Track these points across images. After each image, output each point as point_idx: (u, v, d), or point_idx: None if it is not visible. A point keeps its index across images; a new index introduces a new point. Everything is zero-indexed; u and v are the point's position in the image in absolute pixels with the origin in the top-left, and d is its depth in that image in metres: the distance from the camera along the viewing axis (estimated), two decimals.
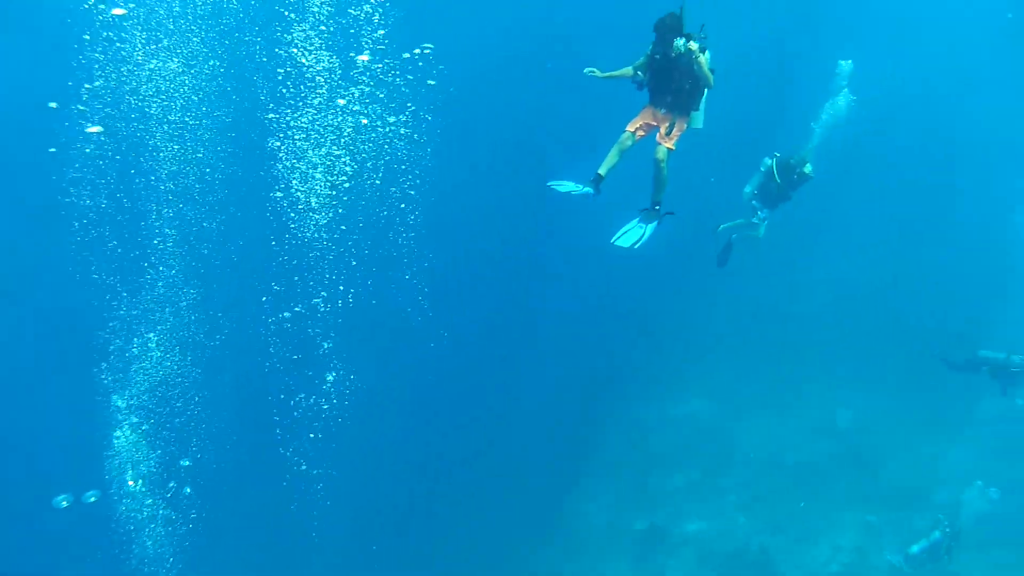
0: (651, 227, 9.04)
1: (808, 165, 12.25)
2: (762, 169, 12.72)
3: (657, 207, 8.98)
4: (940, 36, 19.77)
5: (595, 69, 8.61)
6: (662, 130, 8.79)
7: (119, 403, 12.50)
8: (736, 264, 13.77)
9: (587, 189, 8.90)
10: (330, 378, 13.44)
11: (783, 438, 17.84)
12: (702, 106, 8.97)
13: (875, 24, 19.07)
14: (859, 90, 15.35)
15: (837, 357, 18.68)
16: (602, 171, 8.86)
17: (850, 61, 14.80)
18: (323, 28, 11.47)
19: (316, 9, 11.27)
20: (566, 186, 9.09)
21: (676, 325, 19.60)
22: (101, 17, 10.00)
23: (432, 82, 14.04)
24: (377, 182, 13.23)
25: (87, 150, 11.68)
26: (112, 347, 12.68)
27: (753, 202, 12.97)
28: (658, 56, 8.44)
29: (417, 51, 13.54)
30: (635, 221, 9.19)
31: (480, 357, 18.16)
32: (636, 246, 9.02)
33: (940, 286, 18.85)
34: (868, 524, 16.02)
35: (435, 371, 17.03)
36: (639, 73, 8.69)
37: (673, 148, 8.77)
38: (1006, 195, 19.47)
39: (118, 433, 12.26)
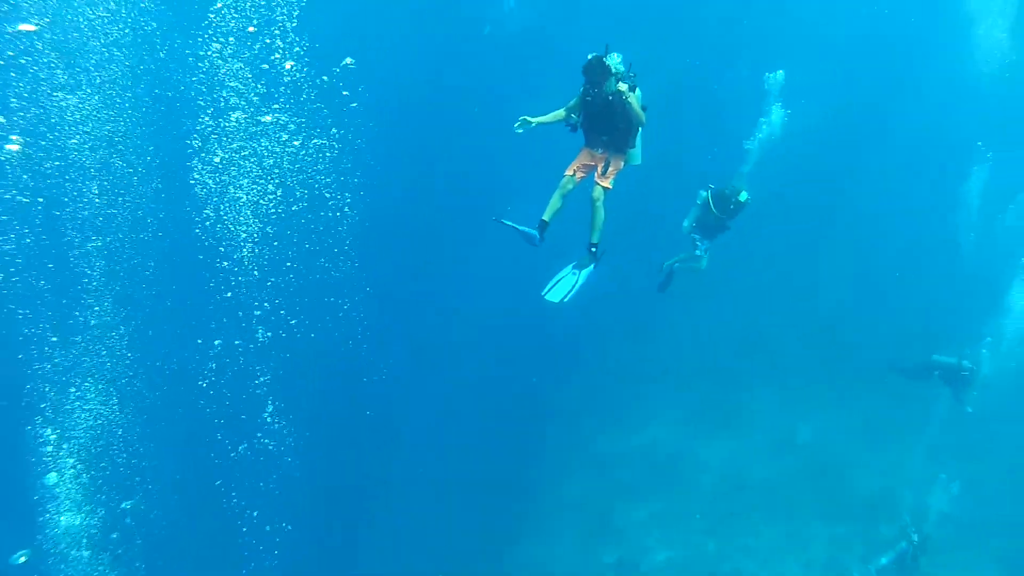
0: (585, 273, 9.10)
1: (743, 193, 12.37)
2: (698, 202, 12.82)
3: (594, 249, 9.01)
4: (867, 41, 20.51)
5: (527, 117, 8.62)
6: (599, 170, 8.85)
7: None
8: (679, 290, 13.85)
9: (533, 232, 8.88)
10: (269, 410, 13.02)
11: (744, 458, 17.65)
12: (638, 143, 9.10)
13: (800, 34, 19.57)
14: (793, 102, 15.80)
15: (790, 374, 18.74)
16: (546, 217, 8.88)
17: (781, 72, 15.06)
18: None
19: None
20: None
21: (627, 355, 19.61)
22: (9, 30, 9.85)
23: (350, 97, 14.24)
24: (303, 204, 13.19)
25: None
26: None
27: (693, 235, 13.08)
28: (589, 98, 8.52)
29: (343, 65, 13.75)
30: (568, 268, 9.28)
31: (426, 399, 17.97)
32: (566, 299, 9.07)
33: (884, 295, 19.11)
34: (836, 536, 15.75)
35: (385, 412, 16.74)
36: (572, 116, 8.78)
37: (610, 187, 8.82)
38: (945, 198, 19.86)
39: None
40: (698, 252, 13.10)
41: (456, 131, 18.93)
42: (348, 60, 14.43)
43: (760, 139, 16.06)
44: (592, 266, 9.12)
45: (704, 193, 12.63)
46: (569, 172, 8.91)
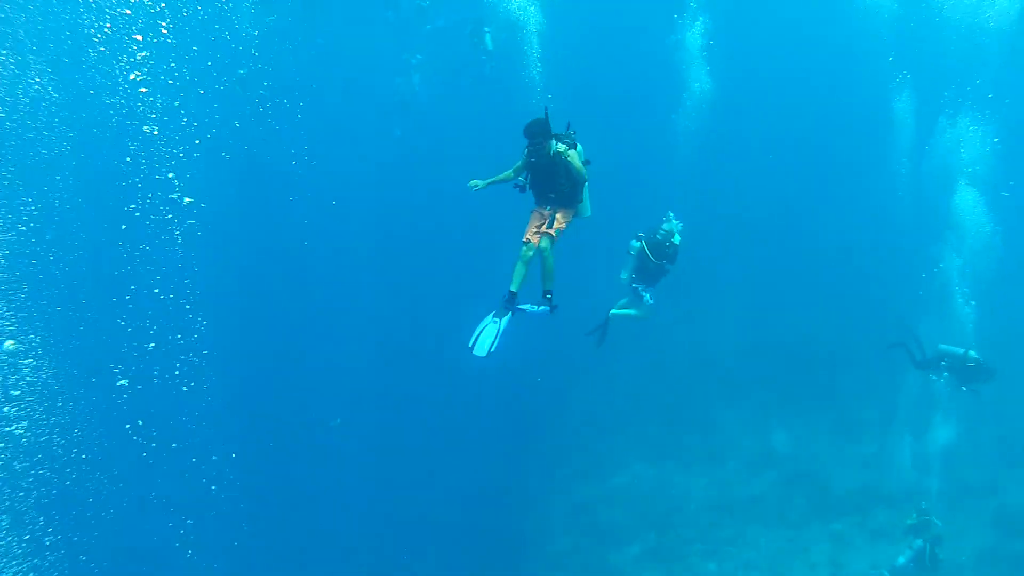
0: (505, 320, 9.01)
1: (676, 235, 12.37)
2: (632, 252, 12.71)
3: (548, 296, 9.07)
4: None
5: (477, 181, 8.91)
6: (558, 221, 8.98)
7: None
8: (635, 329, 13.82)
9: (507, 316, 8.94)
10: None
11: (728, 478, 17.42)
12: (586, 196, 9.32)
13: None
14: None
15: (755, 390, 18.82)
16: (513, 287, 8.95)
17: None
18: None
19: None
20: (485, 337, 9.00)
21: (592, 399, 19.36)
22: None
23: None
24: None
25: None
26: None
27: (634, 285, 12.86)
28: (533, 159, 8.76)
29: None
30: (489, 317, 9.19)
31: (401, 460, 17.27)
32: (493, 349, 8.97)
33: (828, 298, 19.62)
34: (835, 533, 15.59)
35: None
36: (519, 177, 9.03)
37: (555, 236, 8.93)
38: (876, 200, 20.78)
39: None
40: (647, 300, 13.02)
41: None
42: None
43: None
44: (510, 314, 9.08)
45: (636, 243, 12.53)
46: (526, 239, 9.00)
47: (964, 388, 14.12)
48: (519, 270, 8.95)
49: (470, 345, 8.99)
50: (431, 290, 20.05)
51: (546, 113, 8.58)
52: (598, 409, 19.28)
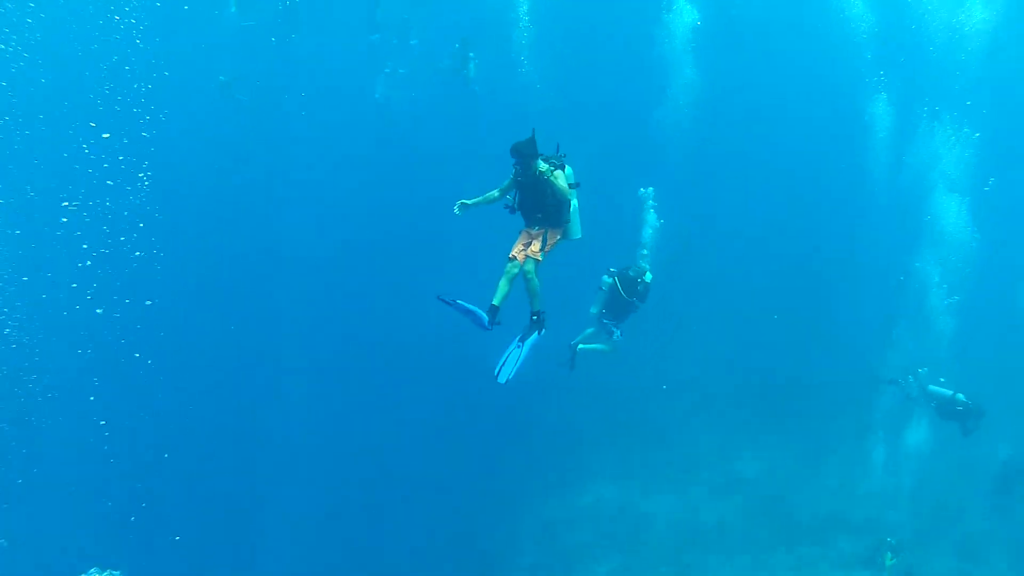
0: (529, 342, 9.15)
1: (648, 273, 12.60)
2: (603, 288, 12.86)
3: (535, 317, 9.13)
4: None
5: (464, 200, 8.94)
6: (535, 245, 9.05)
7: None
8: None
9: (481, 313, 8.91)
10: None
11: (694, 501, 17.37)
12: (575, 216, 9.40)
13: None
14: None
15: (725, 410, 18.90)
16: (496, 302, 8.96)
17: (651, 188, 15.47)
18: None
19: None
20: (460, 305, 9.02)
21: (557, 418, 19.21)
22: None
23: None
24: None
25: None
26: None
27: (604, 321, 13.02)
28: (520, 179, 8.87)
29: None
30: (513, 344, 9.27)
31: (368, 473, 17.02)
32: (512, 375, 9.04)
33: (798, 321, 19.80)
34: (802, 557, 15.60)
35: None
36: (508, 196, 9.10)
37: (539, 258, 9.00)
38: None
39: None
40: (615, 337, 13.10)
41: None
42: None
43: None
44: (536, 335, 9.19)
45: (608, 279, 12.69)
46: (512, 255, 9.09)
47: (962, 429, 14.45)
48: (502, 286, 8.98)
49: (498, 377, 9.00)
50: (399, 305, 19.95)
51: (533, 133, 8.65)
52: (566, 428, 19.13)
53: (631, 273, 12.55)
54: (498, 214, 9.25)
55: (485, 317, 8.84)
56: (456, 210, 8.91)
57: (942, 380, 14.90)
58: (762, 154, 21.18)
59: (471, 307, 8.89)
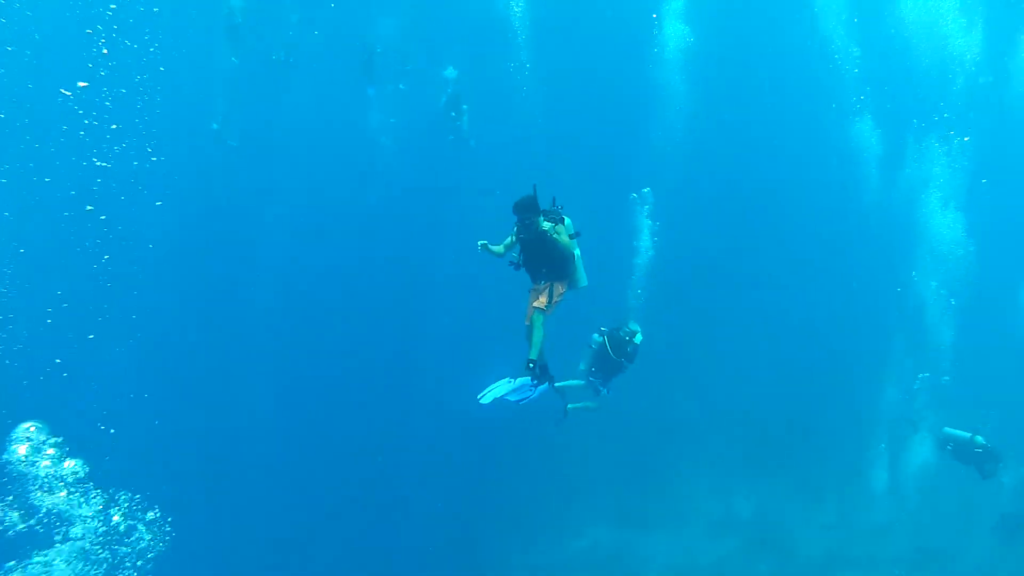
0: (520, 380, 9.54)
1: (638, 335, 12.59)
2: (592, 346, 12.95)
3: (531, 365, 9.20)
4: None
5: (485, 242, 9.31)
6: (542, 298, 9.23)
7: None
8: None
9: (523, 379, 9.43)
10: None
11: (690, 543, 17.01)
12: (580, 266, 9.61)
13: None
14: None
15: (719, 450, 18.63)
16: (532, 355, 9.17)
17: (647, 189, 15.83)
18: None
19: None
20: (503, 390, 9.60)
21: (551, 462, 18.88)
22: None
23: None
24: None
25: None
26: None
27: (591, 379, 13.10)
28: (523, 235, 9.10)
29: None
30: (505, 379, 9.75)
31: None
32: (485, 398, 9.58)
33: (793, 359, 19.71)
34: None
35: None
36: (513, 254, 9.34)
37: (545, 309, 9.19)
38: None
39: None
40: (602, 394, 13.11)
41: None
42: None
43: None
44: (530, 379, 9.40)
45: (599, 337, 12.77)
46: (527, 321, 9.32)
47: (978, 474, 14.02)
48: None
49: (479, 396, 9.52)
50: (393, 358, 19.95)
51: (535, 190, 8.83)
52: (558, 471, 18.79)
53: (622, 333, 12.55)
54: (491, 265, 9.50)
55: (527, 379, 9.27)
56: (479, 246, 9.25)
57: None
58: (748, 193, 21.42)
59: (513, 385, 9.41)
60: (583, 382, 13.28)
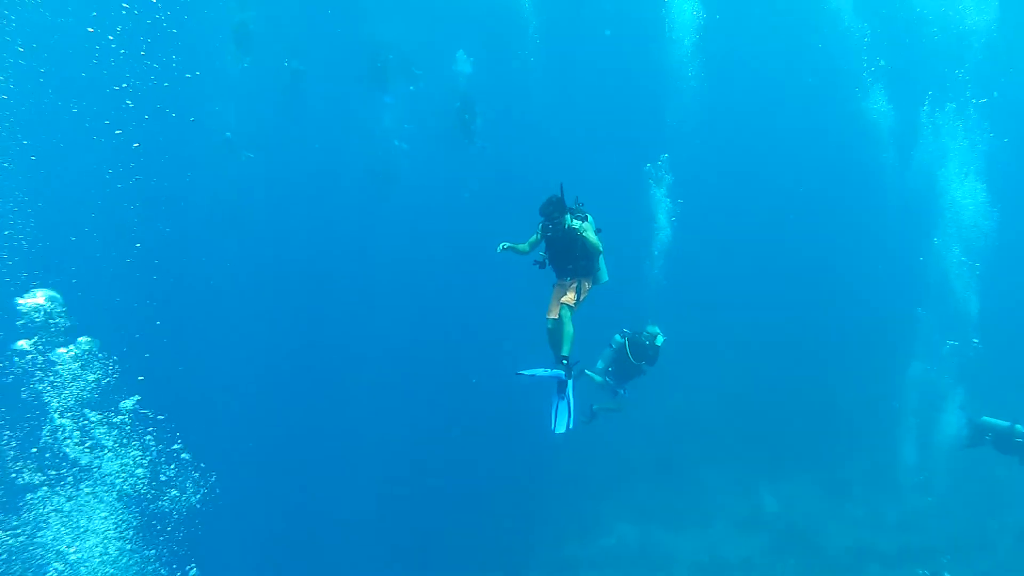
0: (569, 392, 9.40)
1: (659, 336, 12.41)
2: (612, 346, 12.81)
3: (565, 361, 9.32)
4: None
5: (506, 243, 9.33)
6: (570, 294, 9.40)
7: None
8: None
9: (557, 371, 9.25)
10: None
11: (717, 540, 16.91)
12: (601, 263, 9.76)
13: None
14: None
15: (744, 446, 18.50)
16: (564, 354, 9.29)
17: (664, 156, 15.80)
18: None
19: None
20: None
21: (579, 458, 18.85)
22: None
23: None
24: None
25: None
26: None
27: (608, 379, 12.99)
28: (549, 233, 9.26)
29: None
30: (555, 400, 9.54)
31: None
32: (571, 423, 9.41)
33: (816, 352, 19.53)
34: None
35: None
36: (539, 252, 9.47)
37: (574, 306, 9.36)
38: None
39: None
40: (620, 392, 13.01)
41: None
42: None
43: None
44: (570, 381, 9.41)
45: (620, 338, 12.64)
46: (551, 315, 9.45)
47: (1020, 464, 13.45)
48: (554, 345, 9.39)
49: (554, 429, 9.39)
50: (418, 363, 20.01)
51: (561, 190, 9.04)
52: (585, 470, 18.78)
53: (642, 337, 12.41)
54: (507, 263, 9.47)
55: (561, 372, 9.19)
56: (499, 248, 9.31)
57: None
58: (766, 201, 21.27)
59: (547, 372, 9.17)
60: (600, 379, 13.23)
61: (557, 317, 9.31)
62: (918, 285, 17.19)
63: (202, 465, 11.22)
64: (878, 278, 19.50)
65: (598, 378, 13.21)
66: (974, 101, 17.26)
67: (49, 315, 9.25)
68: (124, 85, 16.48)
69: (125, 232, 16.93)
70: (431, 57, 20.94)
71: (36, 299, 9.24)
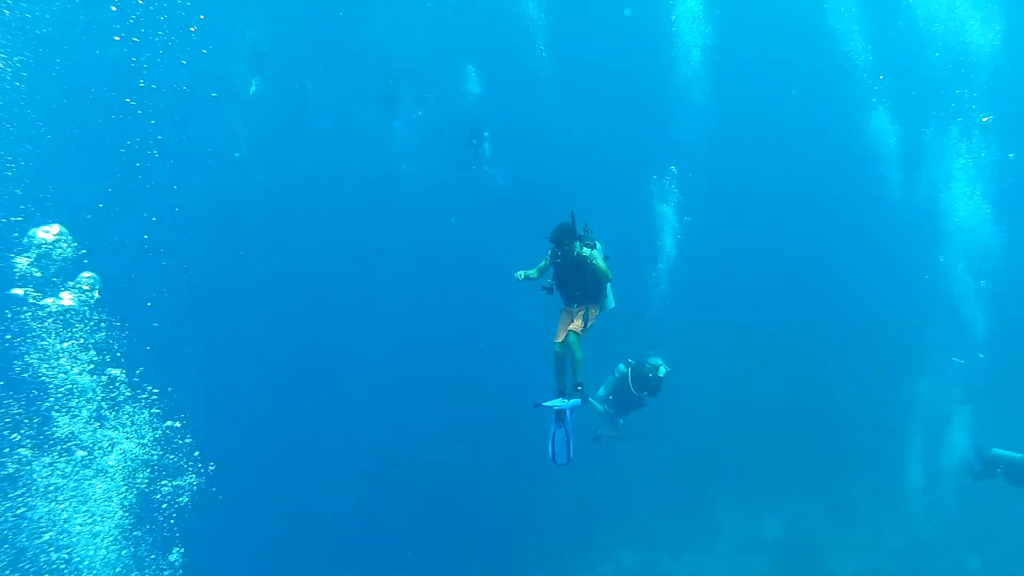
0: (568, 421, 9.54)
1: (662, 368, 12.48)
2: (615, 375, 12.90)
3: (579, 387, 9.62)
4: None
5: (522, 272, 9.55)
6: (577, 321, 9.57)
7: None
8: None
9: (574, 401, 9.53)
10: None
11: (718, 565, 16.58)
12: (608, 290, 9.90)
13: None
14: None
15: (746, 470, 18.20)
16: (562, 385, 9.62)
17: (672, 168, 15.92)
18: None
19: None
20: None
21: (577, 484, 18.62)
22: None
23: None
24: None
25: None
26: None
27: (608, 408, 13.07)
28: (559, 260, 9.40)
29: None
30: (553, 430, 9.66)
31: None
32: (571, 454, 9.51)
33: (818, 377, 19.31)
34: None
35: None
36: (547, 279, 9.60)
37: (581, 333, 9.56)
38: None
39: None
40: (620, 423, 13.14)
41: None
42: None
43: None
44: (579, 401, 9.67)
45: (623, 368, 12.68)
46: (558, 340, 9.58)
47: None
48: (560, 372, 9.56)
49: (551, 458, 9.54)
50: (417, 389, 19.94)
51: (572, 217, 9.16)
52: (582, 493, 18.50)
53: (645, 369, 12.46)
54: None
55: (578, 401, 9.49)
56: (519, 277, 9.49)
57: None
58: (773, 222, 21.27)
59: (566, 403, 9.38)
60: (601, 408, 13.21)
61: (563, 342, 9.44)
62: (924, 304, 17.10)
63: (196, 453, 11.25)
64: (883, 298, 19.36)
65: (599, 407, 13.19)
66: (984, 119, 17.31)
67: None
68: (131, 101, 16.73)
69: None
70: (441, 79, 21.22)
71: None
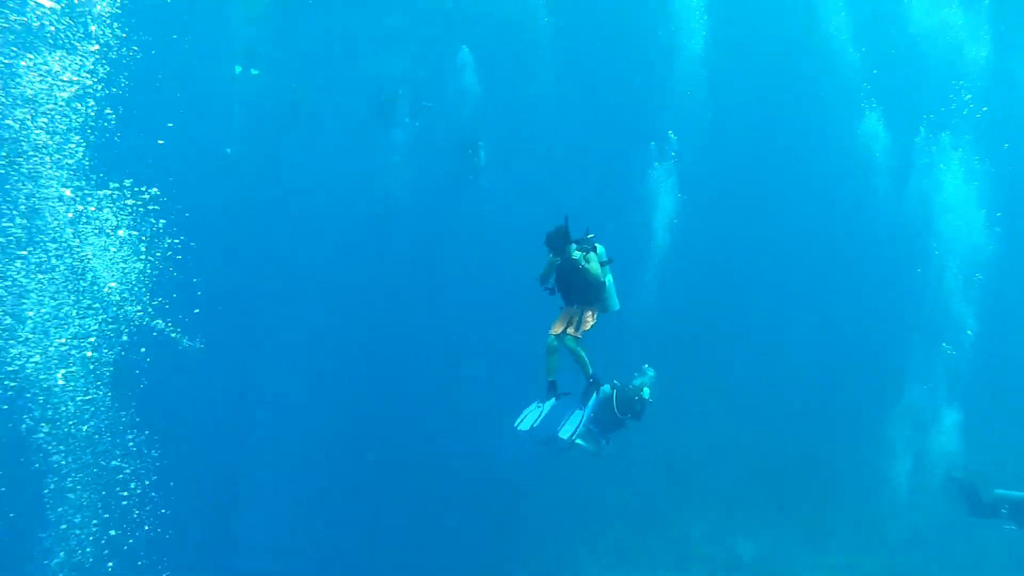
0: (590, 403, 10.60)
1: (646, 389, 12.44)
2: (599, 395, 12.29)
3: (592, 380, 10.46)
4: None
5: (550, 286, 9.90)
6: (573, 324, 10.00)
7: None
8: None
9: (550, 401, 10.17)
10: None
11: None
12: (612, 291, 10.22)
13: None
14: None
15: (722, 492, 17.91)
16: (551, 377, 10.16)
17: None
18: None
19: None
20: (531, 416, 10.18)
21: (548, 500, 18.30)
22: None
23: None
24: None
25: None
26: None
27: (591, 427, 12.77)
28: (558, 263, 9.67)
29: None
30: (533, 404, 10.31)
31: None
32: (535, 425, 10.03)
33: (796, 399, 19.10)
34: None
35: None
36: (549, 280, 9.87)
37: (579, 336, 9.99)
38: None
39: None
40: (603, 443, 13.02)
41: None
42: None
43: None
44: (595, 394, 10.69)
45: (608, 389, 12.44)
46: (553, 332, 9.99)
47: None
48: (550, 362, 10.01)
49: (516, 424, 10.11)
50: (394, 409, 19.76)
51: (566, 221, 9.38)
52: (556, 512, 18.17)
53: (629, 392, 12.37)
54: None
55: (552, 400, 10.15)
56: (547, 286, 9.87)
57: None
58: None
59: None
60: (583, 429, 12.98)
61: (558, 336, 9.84)
62: (906, 326, 17.00)
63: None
64: (864, 318, 19.25)
65: (590, 447, 13.01)
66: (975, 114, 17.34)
67: None
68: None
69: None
70: (438, 88, 21.33)
71: None
